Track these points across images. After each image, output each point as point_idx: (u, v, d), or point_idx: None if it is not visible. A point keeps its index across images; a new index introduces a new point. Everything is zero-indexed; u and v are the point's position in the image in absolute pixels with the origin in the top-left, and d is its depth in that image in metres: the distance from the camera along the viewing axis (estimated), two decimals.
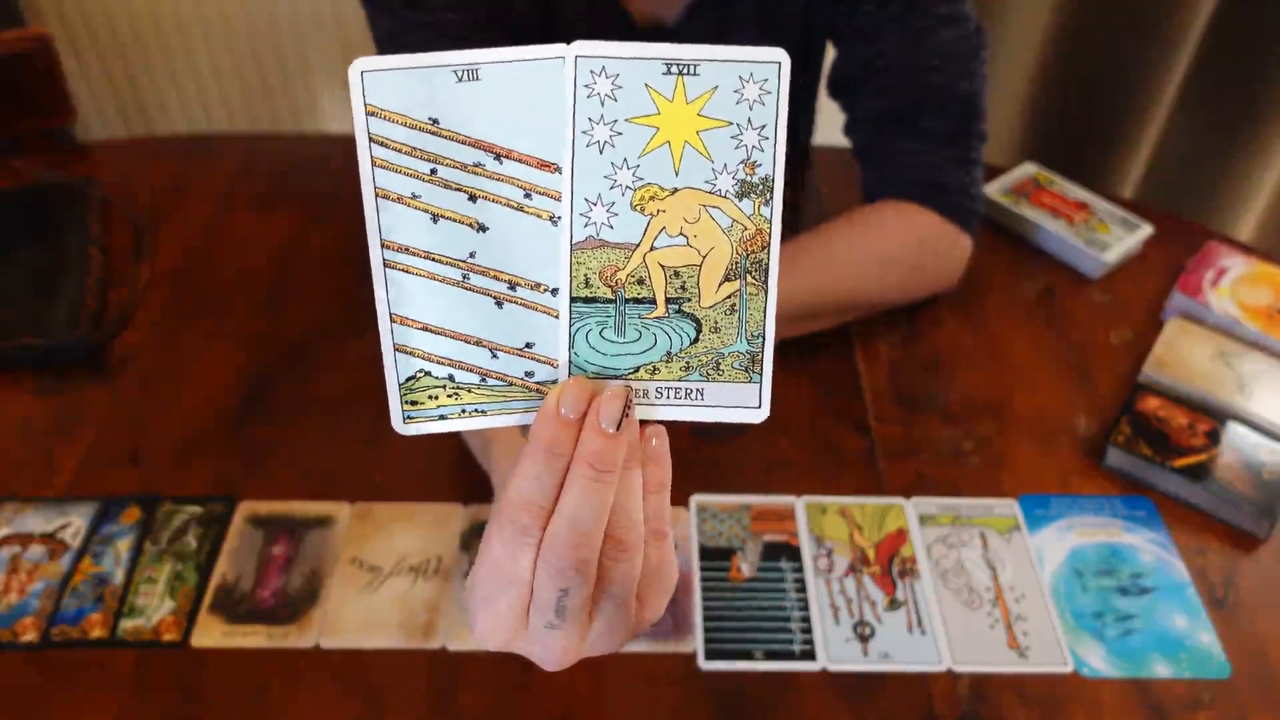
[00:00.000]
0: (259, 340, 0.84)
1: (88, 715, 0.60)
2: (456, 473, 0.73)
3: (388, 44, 0.75)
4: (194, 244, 0.94)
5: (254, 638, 0.64)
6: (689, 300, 0.36)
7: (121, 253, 0.92)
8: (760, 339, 0.36)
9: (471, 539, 0.69)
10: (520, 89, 0.34)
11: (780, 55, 0.34)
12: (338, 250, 0.92)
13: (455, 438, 0.73)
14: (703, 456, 0.75)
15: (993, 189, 0.97)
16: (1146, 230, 0.93)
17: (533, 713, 0.60)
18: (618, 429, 0.35)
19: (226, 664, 0.62)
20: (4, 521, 0.70)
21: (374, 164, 0.35)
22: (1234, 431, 0.75)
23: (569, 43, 0.34)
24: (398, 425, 0.37)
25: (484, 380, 0.37)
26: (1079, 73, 1.33)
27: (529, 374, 0.37)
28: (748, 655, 0.63)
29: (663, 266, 0.36)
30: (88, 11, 1.54)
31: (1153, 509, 0.72)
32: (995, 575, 0.68)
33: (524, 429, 0.54)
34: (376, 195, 0.35)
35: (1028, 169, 1.00)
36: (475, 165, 0.35)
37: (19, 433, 0.76)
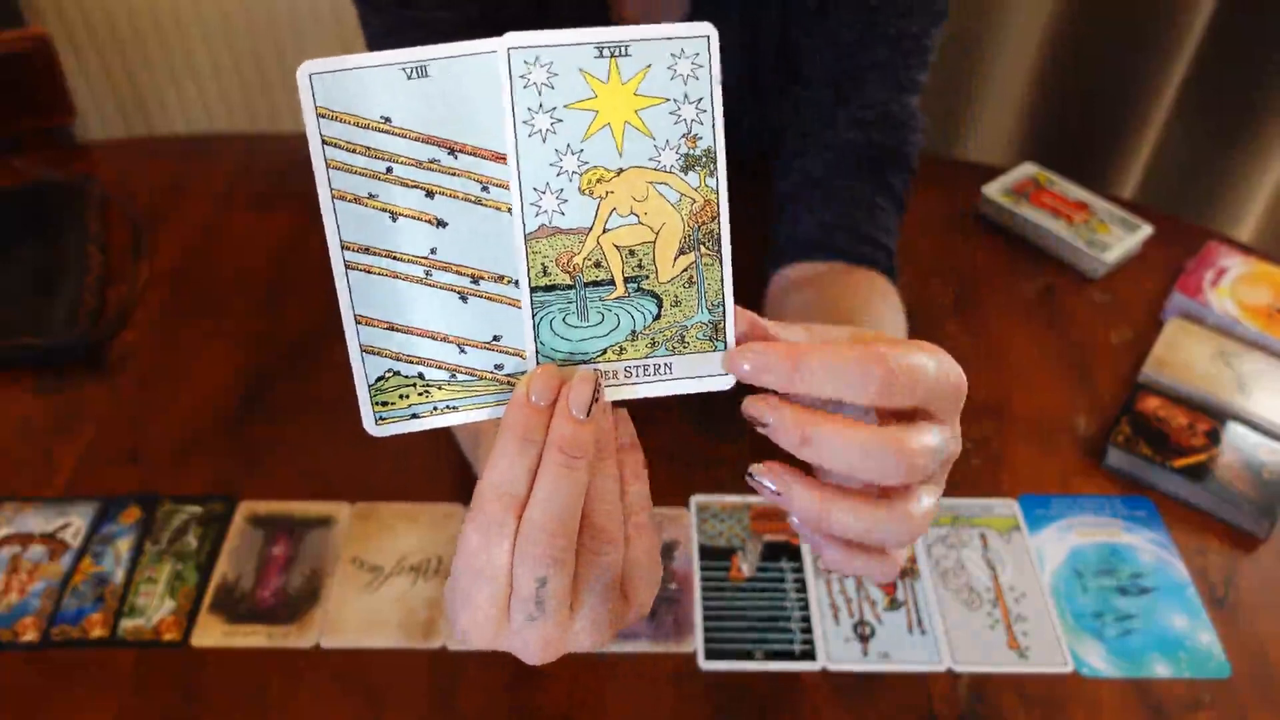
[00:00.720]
0: (258, 340, 0.84)
1: (88, 715, 0.60)
2: (457, 473, 0.73)
3: (380, 43, 0.75)
4: (193, 243, 0.93)
5: (254, 638, 0.63)
6: (647, 278, 0.36)
7: (121, 252, 0.91)
8: (720, 307, 0.37)
9: None
10: (466, 82, 0.34)
11: (708, 29, 0.35)
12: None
13: (455, 438, 0.73)
14: (703, 456, 0.75)
15: (993, 189, 0.97)
16: (1146, 230, 0.93)
17: (533, 713, 0.60)
18: (588, 414, 0.35)
19: (226, 664, 0.62)
20: (4, 521, 0.70)
21: (328, 166, 0.35)
22: (1234, 431, 0.75)
23: None
24: (369, 427, 0.38)
25: (454, 376, 0.37)
26: (1079, 75, 1.33)
27: (498, 366, 0.37)
28: (748, 655, 0.63)
29: (617, 247, 0.36)
30: (87, 10, 1.54)
31: (1153, 509, 0.72)
32: (995, 575, 0.68)
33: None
34: (333, 197, 0.35)
35: (1028, 169, 1.00)
36: (430, 161, 0.35)
37: (19, 432, 0.76)
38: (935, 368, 0.37)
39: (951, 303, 0.88)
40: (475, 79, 0.34)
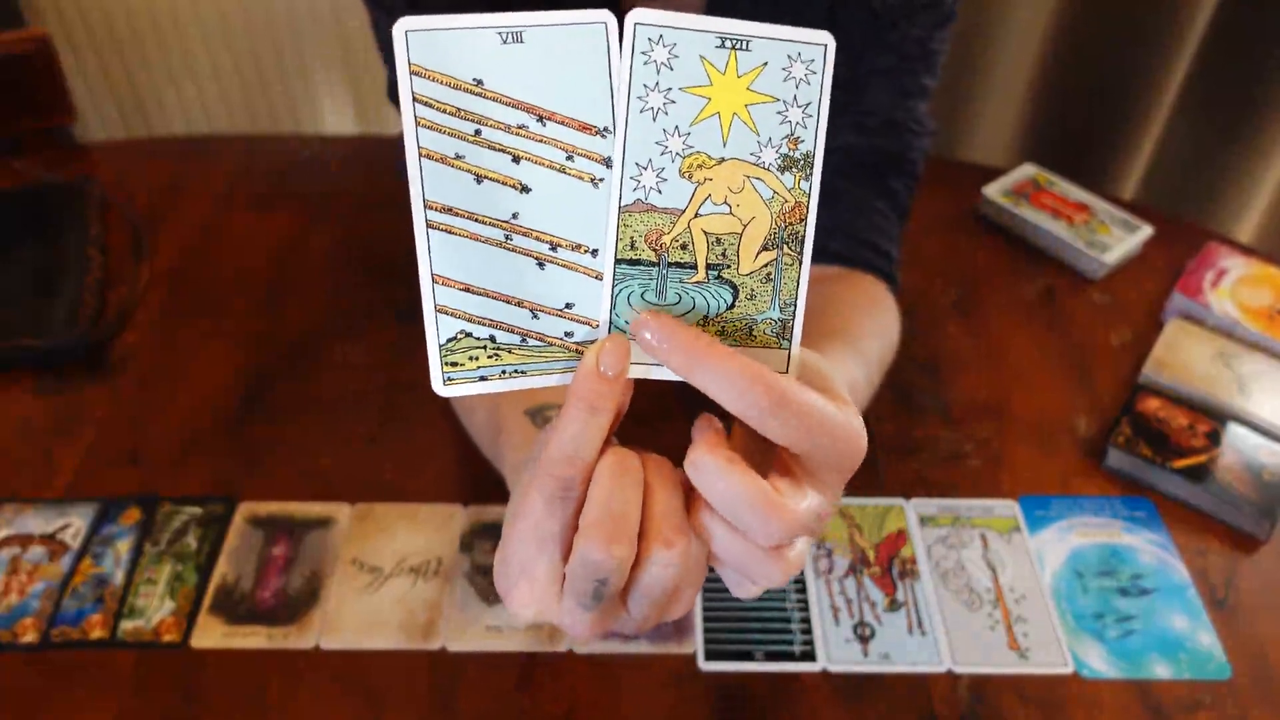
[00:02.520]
0: (258, 340, 0.84)
1: (88, 716, 0.60)
2: (457, 473, 0.73)
3: (390, 47, 0.75)
4: (193, 244, 0.93)
5: (254, 638, 0.63)
6: (728, 267, 0.37)
7: (120, 252, 0.91)
8: (792, 307, 0.38)
9: (472, 539, 0.69)
10: (563, 52, 0.35)
11: (826, 38, 0.35)
12: (337, 250, 0.92)
13: (457, 436, 0.73)
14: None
15: (993, 190, 0.97)
16: (1147, 231, 0.93)
17: (533, 713, 0.60)
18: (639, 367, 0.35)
19: (226, 665, 0.62)
20: (4, 522, 0.70)
21: (418, 124, 0.35)
22: (1234, 432, 0.75)
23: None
24: (437, 387, 0.37)
25: (524, 340, 0.38)
26: (1079, 74, 1.33)
27: (568, 334, 0.38)
28: (748, 655, 0.63)
29: (705, 233, 0.37)
30: (87, 11, 1.54)
31: (1153, 510, 0.72)
32: (995, 576, 0.68)
33: (534, 418, 0.54)
34: (420, 155, 0.35)
35: (1028, 170, 1.00)
36: (519, 127, 0.35)
37: (19, 433, 0.76)
38: (835, 424, 0.37)
39: (951, 303, 0.88)
40: (574, 48, 0.35)
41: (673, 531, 0.37)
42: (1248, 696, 0.62)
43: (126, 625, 0.64)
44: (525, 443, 0.55)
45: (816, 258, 0.71)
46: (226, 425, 0.77)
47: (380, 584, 0.66)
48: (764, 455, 0.40)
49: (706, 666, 0.63)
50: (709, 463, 0.36)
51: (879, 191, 0.73)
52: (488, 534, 0.69)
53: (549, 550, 0.37)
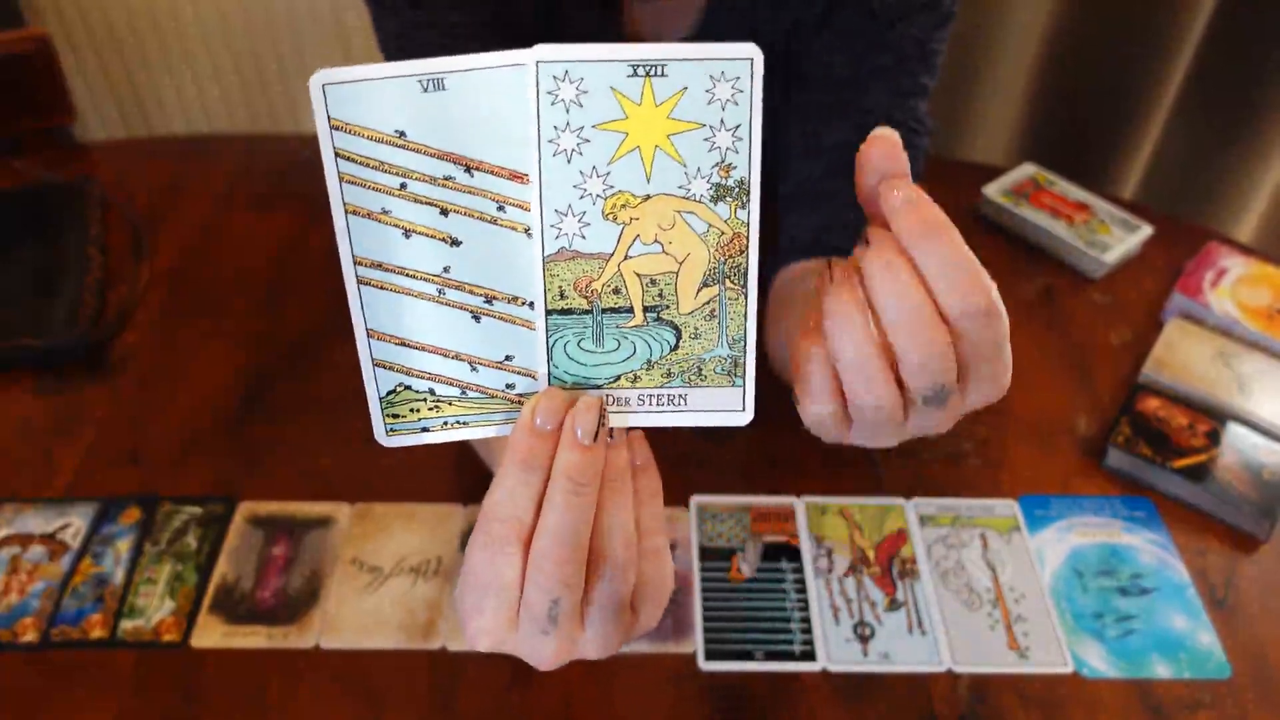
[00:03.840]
0: (258, 340, 0.84)
1: (88, 715, 0.60)
2: (456, 473, 0.73)
3: (393, 45, 0.75)
4: (193, 244, 0.93)
5: (254, 638, 0.63)
6: (667, 308, 0.35)
7: (120, 252, 0.91)
8: (741, 343, 0.36)
9: None
10: (487, 97, 0.33)
11: (752, 51, 0.32)
12: (337, 250, 0.92)
13: None
14: (703, 457, 0.75)
15: (993, 189, 0.97)
16: (1146, 231, 0.93)
17: (532, 714, 0.60)
18: (594, 440, 0.34)
19: (226, 664, 0.62)
20: (4, 522, 0.70)
21: (341, 180, 0.34)
22: (1234, 432, 0.75)
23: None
24: (381, 438, 0.37)
25: (464, 393, 0.37)
26: (1079, 74, 1.33)
27: (510, 386, 0.37)
28: (748, 655, 0.63)
29: (638, 275, 0.35)
30: (87, 11, 1.54)
31: (1153, 509, 0.72)
32: (995, 576, 0.68)
33: None
34: (346, 212, 0.34)
35: (1028, 170, 1.00)
36: (445, 178, 0.34)
37: (19, 433, 0.76)
38: (1002, 334, 0.36)
39: None
40: (496, 93, 0.33)
41: (622, 547, 0.36)
42: (1248, 696, 0.62)
43: (126, 625, 0.64)
44: None
45: (817, 254, 0.71)
46: (226, 425, 0.77)
47: (380, 584, 0.66)
48: None
49: (706, 666, 0.63)
50: (921, 230, 0.34)
51: None
52: None
53: (494, 595, 0.37)
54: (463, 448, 0.70)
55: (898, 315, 0.35)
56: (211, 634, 0.64)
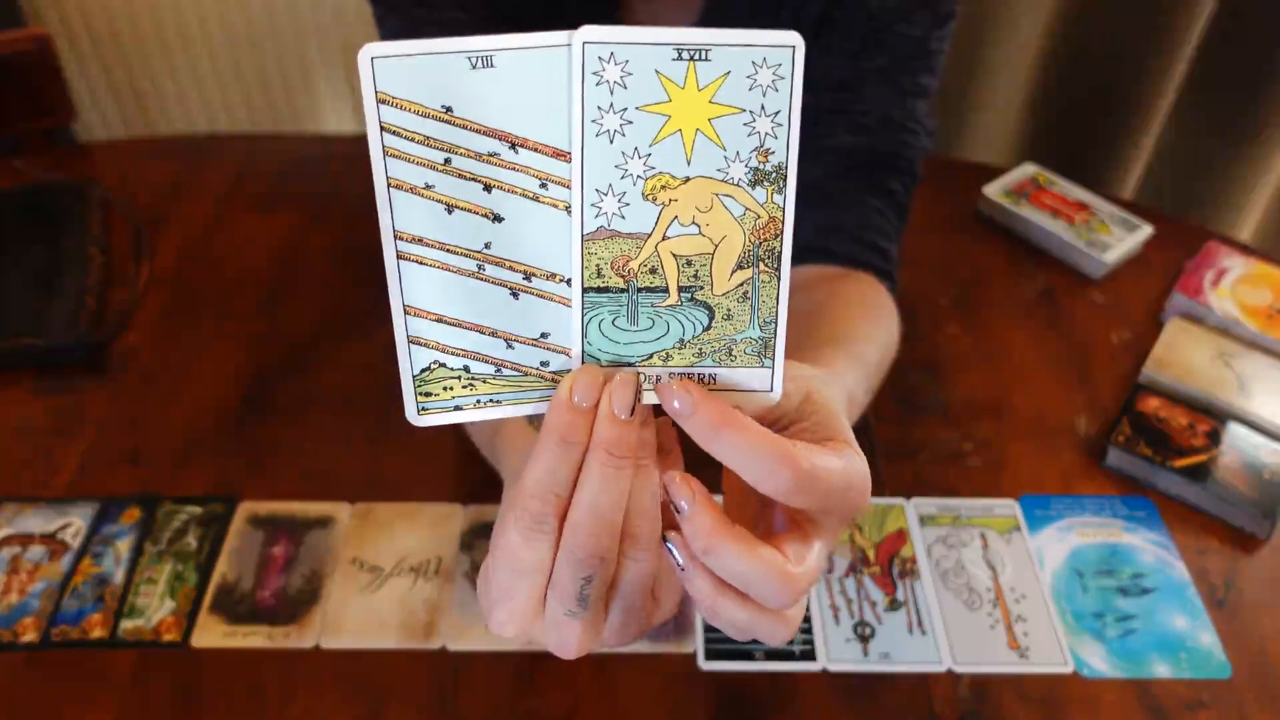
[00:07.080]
0: (259, 340, 0.84)
1: (88, 716, 0.60)
2: (457, 473, 0.73)
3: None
4: (194, 244, 0.93)
5: (254, 638, 0.63)
6: (701, 288, 0.36)
7: (121, 253, 0.92)
8: (772, 325, 0.37)
9: (472, 539, 0.69)
10: (532, 76, 0.33)
11: (795, 39, 0.33)
12: (338, 250, 0.92)
13: (457, 436, 0.73)
14: (702, 457, 0.74)
15: (993, 189, 0.97)
16: (1147, 231, 0.93)
17: (533, 713, 0.60)
18: (631, 414, 0.35)
19: (226, 664, 0.62)
20: (4, 522, 0.70)
21: (386, 153, 0.34)
22: (1234, 432, 0.75)
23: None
24: (411, 417, 0.37)
25: (499, 371, 0.37)
26: (1079, 74, 1.33)
27: (544, 364, 0.37)
28: (748, 655, 0.63)
29: (675, 256, 0.36)
30: (87, 11, 1.54)
31: (1153, 509, 0.72)
32: (995, 575, 0.68)
33: (531, 419, 0.54)
34: (389, 185, 0.34)
35: (1028, 169, 1.00)
36: (490, 154, 0.34)
37: (19, 433, 0.76)
38: (850, 480, 0.38)
39: (951, 303, 0.88)
40: (542, 72, 0.33)
41: (649, 528, 0.37)
42: (1248, 696, 0.62)
43: (127, 625, 0.64)
44: (521, 441, 0.55)
45: (815, 258, 0.71)
46: (227, 425, 0.77)
47: (380, 584, 0.66)
48: (759, 509, 0.41)
49: (706, 666, 0.63)
50: (725, 547, 0.35)
51: (877, 191, 0.73)
52: (487, 534, 0.69)
53: (528, 577, 0.37)
54: (463, 448, 0.70)
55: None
56: (212, 634, 0.64)
